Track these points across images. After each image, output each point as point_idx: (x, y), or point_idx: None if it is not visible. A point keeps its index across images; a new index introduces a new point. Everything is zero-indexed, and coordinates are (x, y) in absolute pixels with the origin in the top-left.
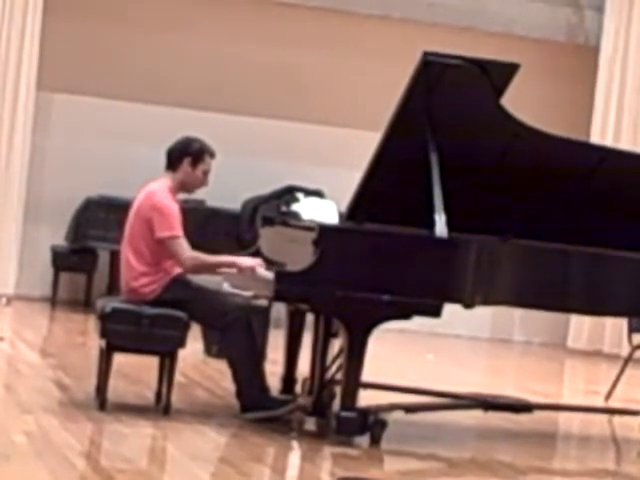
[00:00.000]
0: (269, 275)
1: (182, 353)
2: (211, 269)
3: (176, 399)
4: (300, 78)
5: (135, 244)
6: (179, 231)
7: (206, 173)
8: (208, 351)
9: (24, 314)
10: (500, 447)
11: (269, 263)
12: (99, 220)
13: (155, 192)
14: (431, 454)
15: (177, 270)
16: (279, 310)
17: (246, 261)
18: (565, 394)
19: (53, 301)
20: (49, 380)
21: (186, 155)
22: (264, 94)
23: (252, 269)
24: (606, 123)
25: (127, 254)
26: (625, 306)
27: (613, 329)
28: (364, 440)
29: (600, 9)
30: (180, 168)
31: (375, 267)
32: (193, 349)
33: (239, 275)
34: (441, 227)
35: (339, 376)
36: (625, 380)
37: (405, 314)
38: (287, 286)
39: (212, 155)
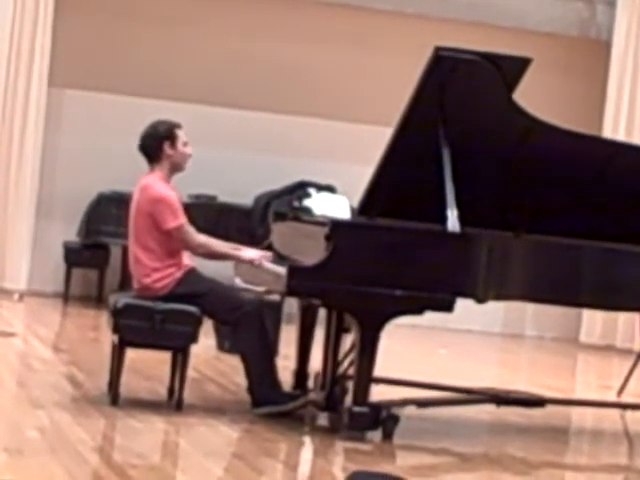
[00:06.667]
0: (274, 268)
1: (194, 348)
2: (219, 257)
3: (188, 394)
4: (312, 73)
5: (143, 241)
6: (183, 218)
7: (186, 144)
8: (220, 346)
9: (36, 310)
10: (512, 442)
11: (281, 258)
12: (111, 216)
13: (151, 185)
14: (443, 449)
15: (189, 263)
16: (291, 305)
17: (247, 253)
18: (577, 389)
19: (65, 297)
20: (62, 376)
21: (161, 141)
22: (276, 90)
23: (252, 261)
24: (618, 117)
25: (136, 252)
26: (638, 301)
27: (626, 324)
28: (376, 435)
29: (612, 3)
30: (163, 155)
31: (387, 262)
32: (205, 344)
33: (251, 270)
34: (453, 222)
35: (351, 371)
36: (638, 375)
37: (417, 309)
38: (299, 281)
39: (178, 125)
